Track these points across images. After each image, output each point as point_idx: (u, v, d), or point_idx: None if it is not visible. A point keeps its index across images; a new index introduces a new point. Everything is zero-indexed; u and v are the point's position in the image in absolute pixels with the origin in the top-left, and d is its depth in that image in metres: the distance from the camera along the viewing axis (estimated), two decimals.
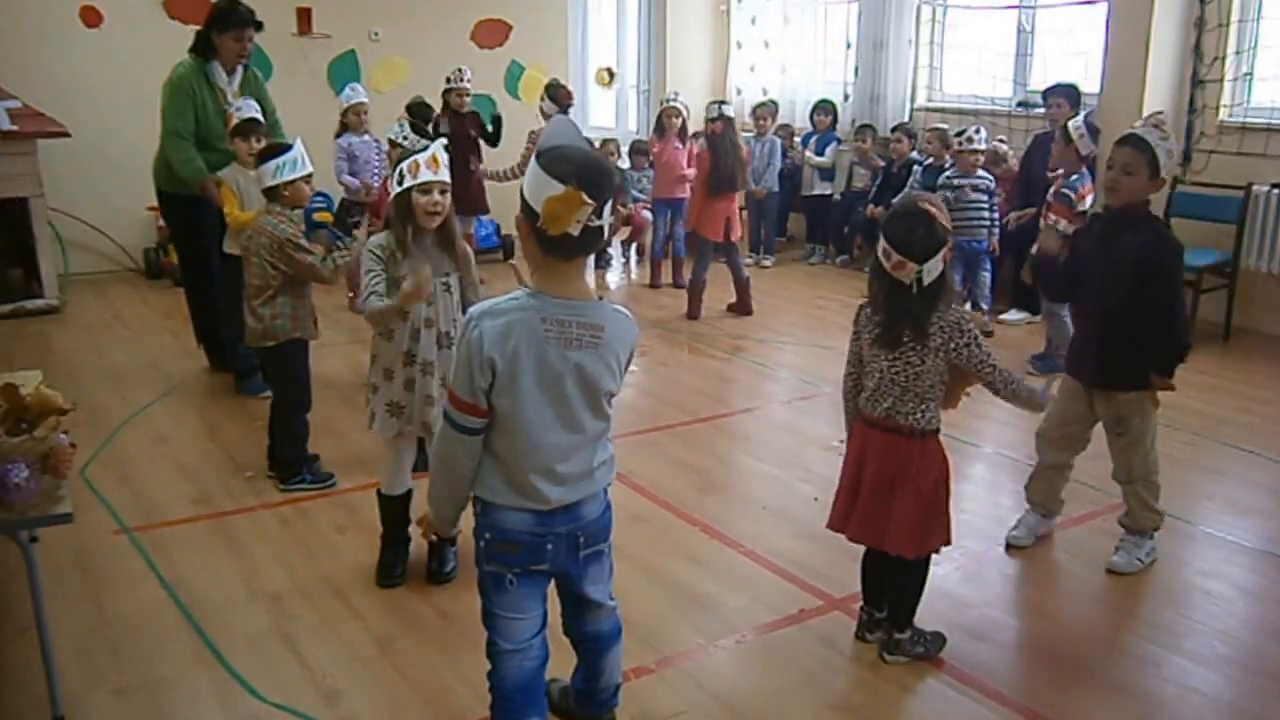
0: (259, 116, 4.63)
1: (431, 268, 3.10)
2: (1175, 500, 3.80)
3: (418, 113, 6.28)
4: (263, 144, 4.24)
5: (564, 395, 2.08)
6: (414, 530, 3.20)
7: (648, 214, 7.73)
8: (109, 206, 7.15)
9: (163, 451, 4.28)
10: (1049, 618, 3.14)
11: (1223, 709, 2.67)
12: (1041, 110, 6.67)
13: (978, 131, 6.23)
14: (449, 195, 3.07)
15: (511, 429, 2.09)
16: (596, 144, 7.66)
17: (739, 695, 2.70)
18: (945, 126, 7.29)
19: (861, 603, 2.96)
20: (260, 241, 3.74)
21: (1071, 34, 6.99)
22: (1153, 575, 3.34)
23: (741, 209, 6.76)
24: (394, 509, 3.24)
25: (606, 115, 10.05)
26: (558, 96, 6.80)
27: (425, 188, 3.00)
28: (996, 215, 6.23)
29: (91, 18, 7.05)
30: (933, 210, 2.55)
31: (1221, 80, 6.18)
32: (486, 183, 6.95)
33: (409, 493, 3.25)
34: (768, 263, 8.08)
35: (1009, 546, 3.51)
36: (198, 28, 4.93)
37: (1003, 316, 6.42)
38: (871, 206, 7.63)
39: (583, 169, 1.97)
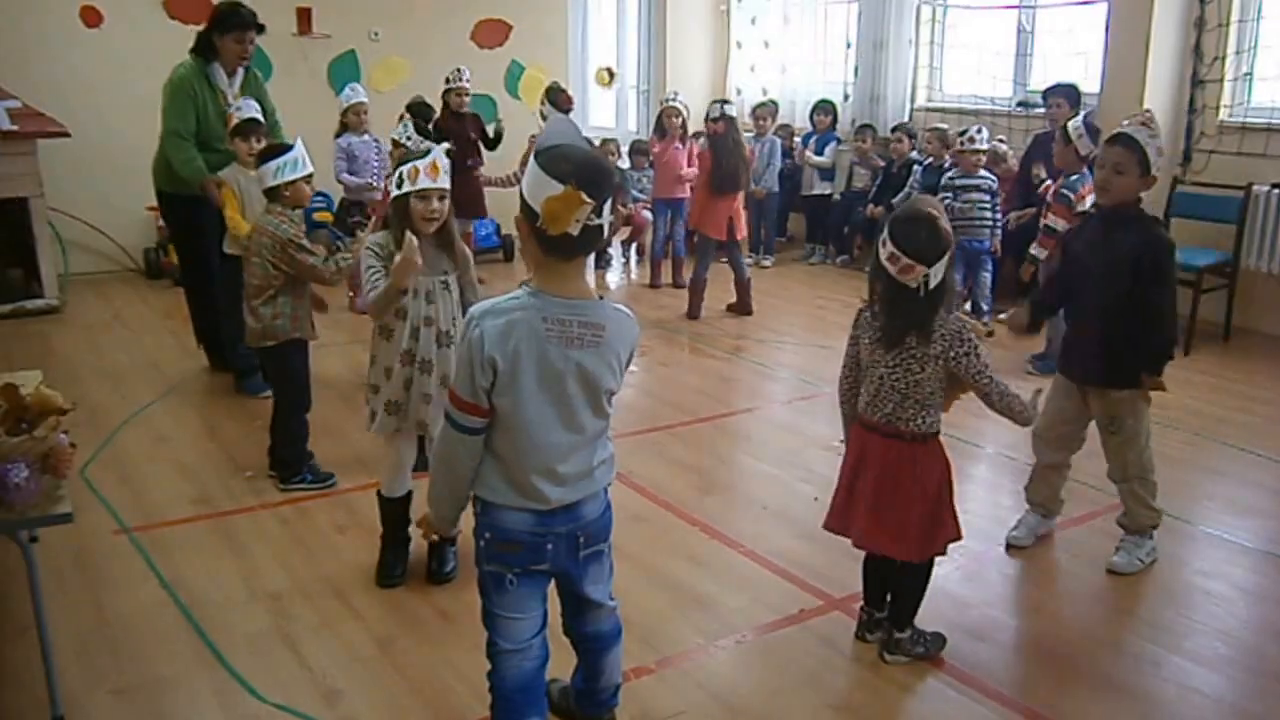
0: (259, 116, 4.63)
1: (430, 266, 3.10)
2: (1175, 500, 3.80)
3: (418, 112, 6.27)
4: (263, 144, 4.24)
5: (565, 394, 2.08)
6: (414, 530, 3.21)
7: (648, 214, 7.74)
8: (109, 206, 7.15)
9: (163, 451, 4.28)
10: (1049, 618, 3.14)
11: (1224, 709, 2.67)
12: (1041, 110, 6.67)
13: (980, 131, 6.23)
14: (447, 201, 3.07)
15: (512, 428, 2.09)
16: (596, 144, 7.66)
17: (739, 695, 2.70)
18: (945, 126, 7.29)
19: (862, 603, 2.96)
20: (262, 242, 3.74)
21: (1071, 34, 6.99)
22: (1153, 575, 3.34)
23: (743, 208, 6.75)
24: (394, 510, 3.24)
25: (606, 115, 10.05)
26: (558, 101, 6.79)
27: (424, 195, 3.00)
28: (999, 215, 6.23)
29: (91, 18, 7.05)
30: (937, 213, 2.56)
31: (1221, 80, 6.18)
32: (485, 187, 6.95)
33: (409, 494, 3.25)
34: (768, 263, 8.08)
35: (1009, 546, 3.51)
36: (197, 28, 4.93)
37: (1002, 316, 6.40)
38: (871, 206, 7.64)
39: (582, 168, 1.97)
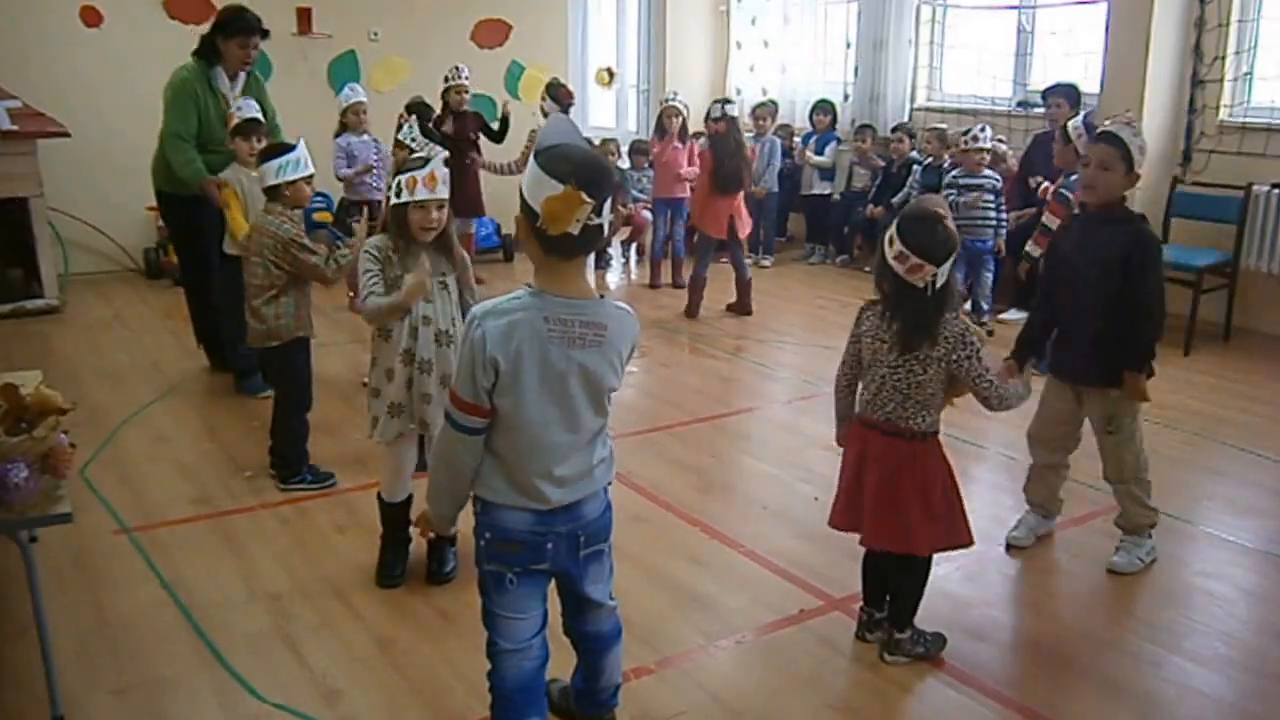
0: (259, 116, 4.63)
1: (430, 268, 3.10)
2: (1175, 500, 3.80)
3: (419, 112, 6.28)
4: (264, 144, 4.24)
5: (567, 394, 2.08)
6: (413, 530, 3.20)
7: (648, 214, 7.74)
8: (109, 206, 7.15)
9: (163, 451, 4.28)
10: (1049, 618, 3.14)
11: (1224, 710, 2.67)
12: (1041, 110, 6.67)
13: (983, 130, 6.23)
14: (445, 210, 3.07)
15: (513, 429, 2.09)
16: (596, 144, 7.67)
17: (739, 695, 2.70)
18: (944, 126, 7.30)
19: (862, 603, 2.96)
20: (263, 242, 3.74)
21: (1071, 34, 6.99)
22: (1153, 575, 3.34)
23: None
24: (394, 513, 3.24)
25: (606, 115, 10.04)
26: (558, 96, 6.80)
27: (422, 205, 3.00)
28: (1004, 215, 6.22)
29: (91, 18, 7.04)
30: (944, 212, 2.57)
31: (1221, 80, 6.18)
32: (485, 183, 6.95)
33: (409, 499, 3.25)
34: (767, 263, 8.08)
35: (1009, 547, 3.51)
36: (196, 27, 4.93)
37: (1003, 316, 6.41)
38: (871, 206, 7.64)
39: (581, 168, 1.97)
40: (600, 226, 2.01)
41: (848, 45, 8.51)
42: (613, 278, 7.96)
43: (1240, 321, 6.10)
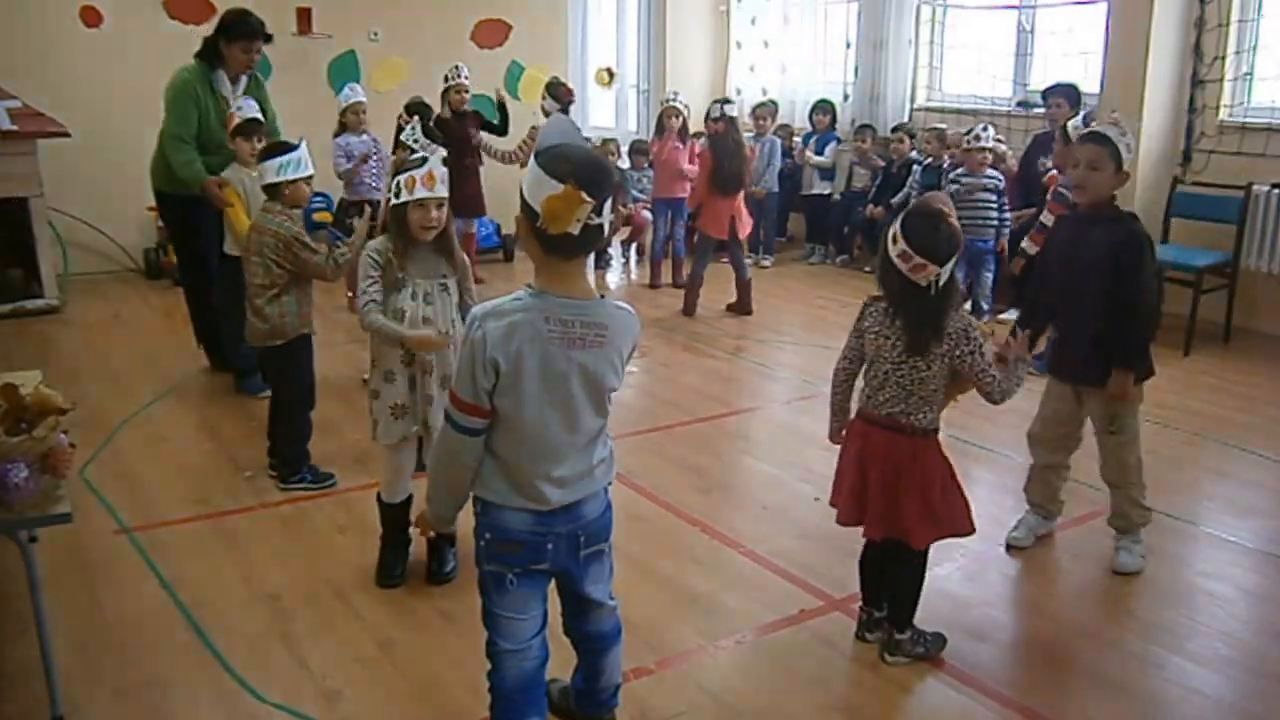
0: (260, 117, 4.63)
1: (428, 269, 3.11)
2: (1176, 500, 3.81)
3: (418, 113, 6.27)
4: (264, 144, 4.24)
5: (568, 395, 2.08)
6: (413, 531, 3.20)
7: (648, 214, 7.74)
8: (109, 206, 7.14)
9: (163, 451, 4.28)
10: (1049, 618, 3.14)
11: (1225, 710, 2.67)
12: (1041, 110, 6.67)
13: (985, 129, 6.23)
14: (445, 209, 3.06)
15: (513, 429, 2.09)
16: (596, 144, 7.67)
17: (739, 695, 2.70)
18: (944, 126, 7.30)
19: (861, 602, 2.96)
20: (264, 240, 3.75)
21: (1071, 34, 6.99)
22: (1154, 576, 3.34)
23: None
24: (394, 515, 3.24)
25: (606, 115, 10.04)
26: (559, 94, 6.80)
27: (421, 204, 3.00)
28: (1007, 215, 6.22)
29: (91, 18, 7.04)
30: (949, 210, 2.57)
31: (1221, 80, 6.18)
32: (485, 182, 6.95)
33: (409, 499, 3.25)
34: (767, 263, 8.08)
35: (1009, 547, 3.50)
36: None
37: (1003, 316, 6.41)
38: (871, 206, 7.64)
39: (581, 168, 1.97)
40: (600, 226, 2.01)
41: (848, 45, 8.51)
42: (613, 278, 7.96)
43: (1240, 321, 6.10)
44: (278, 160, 3.74)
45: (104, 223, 7.23)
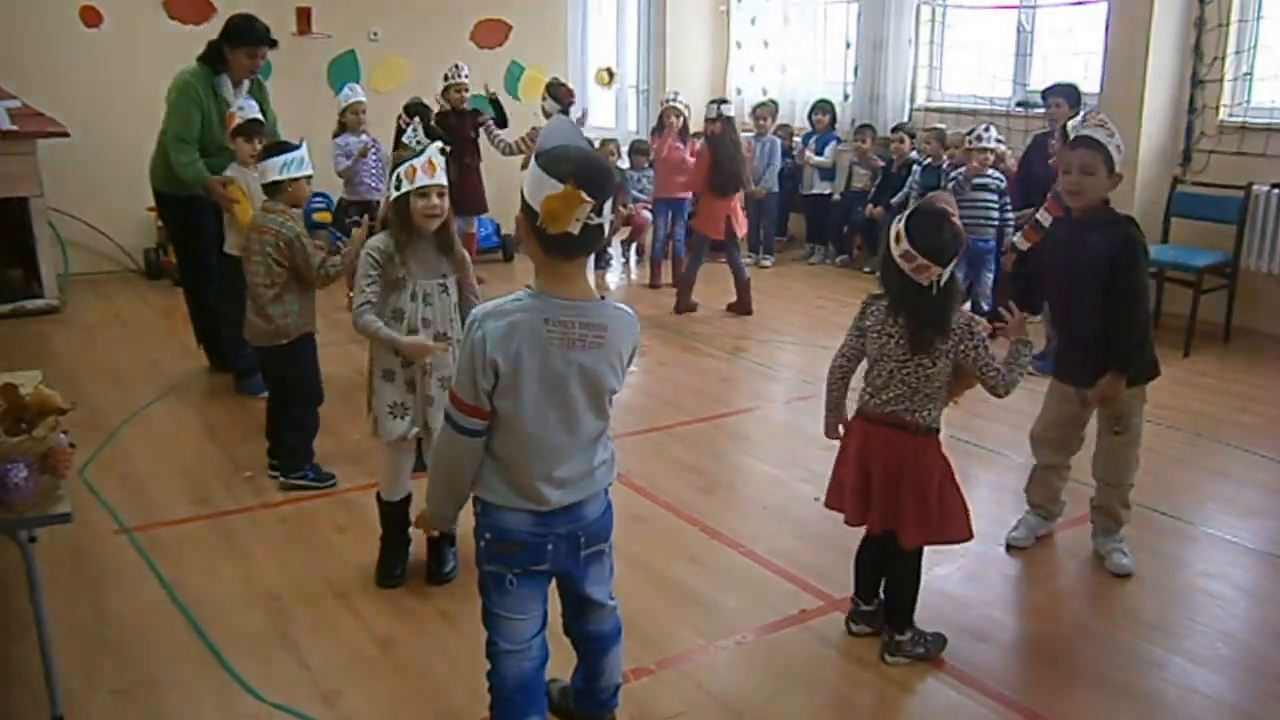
0: (261, 118, 4.63)
1: (428, 268, 3.11)
2: (1176, 500, 3.81)
3: (416, 113, 6.27)
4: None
5: (568, 396, 2.08)
6: (414, 531, 3.21)
7: (648, 214, 7.74)
8: (109, 206, 7.14)
9: (163, 451, 4.28)
10: (1049, 618, 3.14)
11: (1225, 710, 2.67)
12: (1041, 110, 6.66)
13: (987, 130, 6.22)
14: (446, 198, 3.07)
15: (513, 430, 2.09)
16: (596, 144, 7.66)
17: (739, 695, 2.70)
18: (943, 126, 7.30)
19: (853, 594, 2.96)
20: (265, 240, 3.75)
21: (1071, 34, 6.99)
22: (1154, 576, 3.33)
23: (743, 208, 6.75)
24: (393, 513, 3.24)
25: (606, 115, 10.04)
26: (559, 95, 6.79)
27: (423, 192, 3.00)
28: (1009, 216, 6.21)
29: (91, 18, 7.04)
30: (952, 210, 2.58)
31: (1221, 80, 6.18)
32: (486, 181, 6.94)
33: (408, 497, 3.25)
34: (767, 263, 8.08)
35: (1009, 547, 3.50)
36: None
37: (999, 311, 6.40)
38: (871, 206, 7.65)
39: (581, 168, 1.97)
40: (600, 227, 2.01)
41: (847, 45, 8.51)
42: (613, 278, 7.96)
43: (1240, 322, 6.10)
44: (281, 158, 3.74)
45: (104, 223, 7.23)
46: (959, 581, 3.27)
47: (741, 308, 6.61)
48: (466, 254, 3.26)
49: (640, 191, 8.00)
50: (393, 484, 3.23)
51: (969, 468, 4.14)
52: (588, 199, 1.94)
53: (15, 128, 6.01)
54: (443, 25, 8.19)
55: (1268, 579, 3.37)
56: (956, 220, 2.57)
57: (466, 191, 6.45)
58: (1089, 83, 6.51)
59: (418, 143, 4.84)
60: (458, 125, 6.72)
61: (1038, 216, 4.98)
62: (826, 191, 8.24)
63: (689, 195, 7.09)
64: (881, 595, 2.93)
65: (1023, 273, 3.84)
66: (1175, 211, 6.26)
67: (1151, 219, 6.07)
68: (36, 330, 6.00)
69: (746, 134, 7.95)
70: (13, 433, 2.31)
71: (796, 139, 8.45)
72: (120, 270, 7.39)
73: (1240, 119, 6.14)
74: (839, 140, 8.20)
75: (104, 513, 3.67)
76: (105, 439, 4.36)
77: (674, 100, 7.20)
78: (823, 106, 8.24)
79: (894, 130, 7.74)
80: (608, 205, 2.01)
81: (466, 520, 2.26)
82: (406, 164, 2.99)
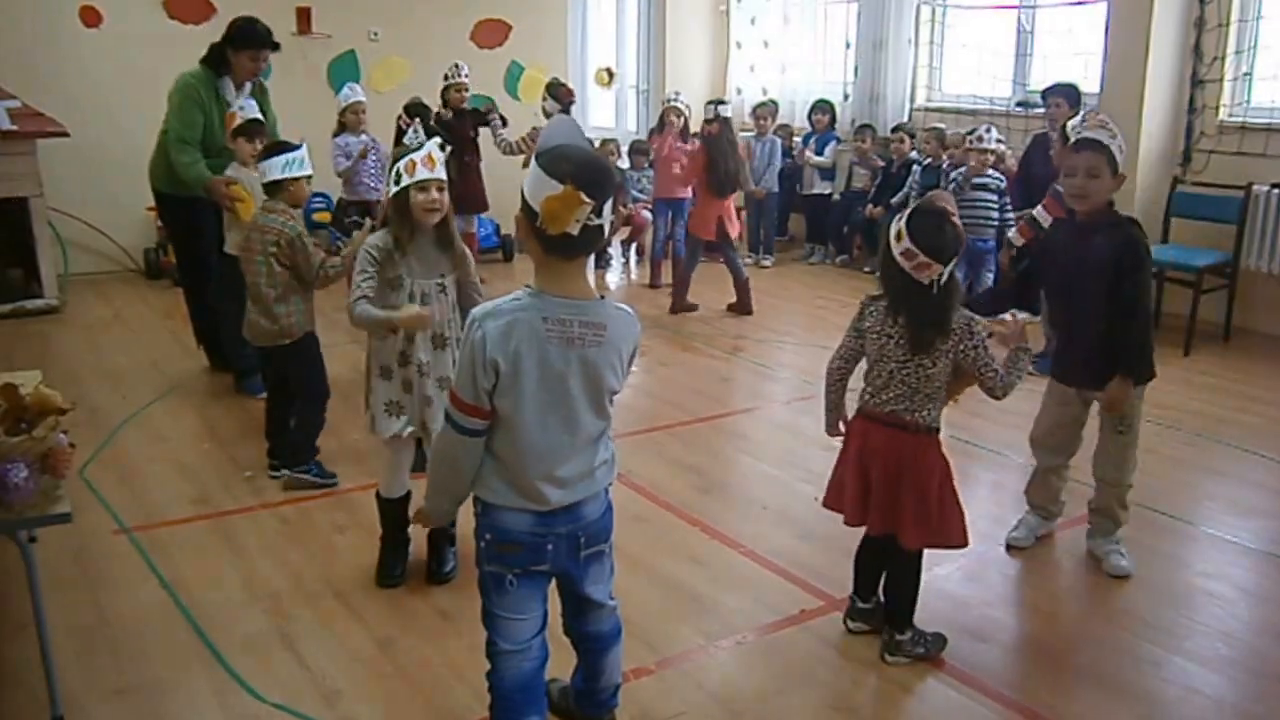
0: (261, 118, 4.63)
1: (427, 268, 3.10)
2: (1176, 500, 3.81)
3: (416, 113, 6.28)
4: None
5: (567, 395, 2.08)
6: (413, 530, 3.21)
7: (648, 214, 7.73)
8: (109, 206, 7.15)
9: (163, 451, 4.28)
10: (1049, 618, 3.14)
11: (1225, 710, 2.67)
12: (1041, 110, 6.66)
13: (988, 130, 6.22)
14: (446, 193, 3.06)
15: (513, 430, 2.09)
16: (596, 144, 7.66)
17: (739, 695, 2.70)
18: (943, 126, 7.29)
19: (852, 591, 2.97)
20: (266, 239, 3.75)
21: (1071, 34, 6.99)
22: (1154, 576, 3.33)
23: (740, 209, 6.76)
24: (393, 510, 3.24)
25: (606, 115, 10.04)
26: (559, 95, 6.79)
27: (423, 186, 2.99)
28: (1010, 216, 6.21)
29: (91, 18, 7.05)
30: (952, 210, 2.59)
31: (1221, 80, 6.18)
32: (486, 180, 6.94)
33: (408, 494, 3.25)
34: (767, 263, 8.08)
35: (1009, 547, 3.50)
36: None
37: (1002, 316, 6.39)
38: (871, 206, 7.65)
39: (581, 168, 1.97)
40: (600, 227, 2.01)
41: (847, 45, 8.51)
42: (613, 278, 7.96)
43: (1240, 322, 6.10)
44: (283, 157, 3.75)
45: (104, 223, 7.23)
46: (959, 581, 3.27)
47: (741, 308, 6.61)
48: (467, 250, 3.26)
49: (640, 191, 8.00)
50: (391, 481, 3.23)
51: (969, 468, 4.15)
52: (587, 200, 1.94)
53: (15, 128, 6.01)
54: (443, 25, 8.19)
55: (1268, 579, 3.37)
56: (957, 219, 2.57)
57: (467, 190, 6.45)
58: (1089, 83, 6.51)
59: (419, 144, 4.85)
60: (458, 124, 6.72)
61: (1034, 213, 4.98)
62: (826, 191, 8.24)
63: (689, 195, 7.08)
64: (880, 594, 2.94)
65: (1019, 269, 3.84)
66: (1175, 211, 6.26)
67: (1151, 219, 6.07)
68: (36, 330, 6.00)
69: (747, 134, 7.96)
70: (13, 433, 2.31)
71: (796, 139, 8.44)
72: (120, 270, 7.39)
73: (1240, 119, 6.14)
74: (839, 140, 8.20)
75: (104, 513, 3.67)
76: (105, 439, 4.36)
77: (675, 100, 7.20)
78: (822, 106, 8.24)
79: (894, 130, 7.74)
80: (608, 206, 2.01)
81: (466, 520, 2.26)
82: (406, 158, 2.99)
